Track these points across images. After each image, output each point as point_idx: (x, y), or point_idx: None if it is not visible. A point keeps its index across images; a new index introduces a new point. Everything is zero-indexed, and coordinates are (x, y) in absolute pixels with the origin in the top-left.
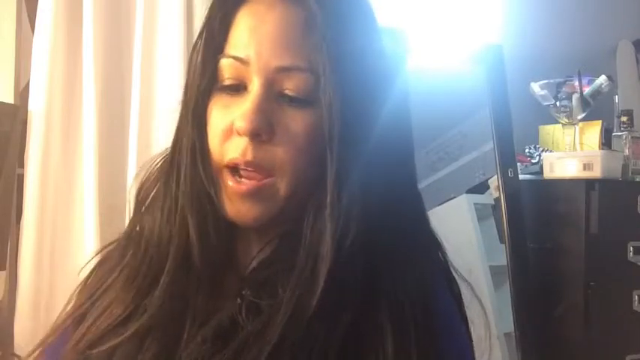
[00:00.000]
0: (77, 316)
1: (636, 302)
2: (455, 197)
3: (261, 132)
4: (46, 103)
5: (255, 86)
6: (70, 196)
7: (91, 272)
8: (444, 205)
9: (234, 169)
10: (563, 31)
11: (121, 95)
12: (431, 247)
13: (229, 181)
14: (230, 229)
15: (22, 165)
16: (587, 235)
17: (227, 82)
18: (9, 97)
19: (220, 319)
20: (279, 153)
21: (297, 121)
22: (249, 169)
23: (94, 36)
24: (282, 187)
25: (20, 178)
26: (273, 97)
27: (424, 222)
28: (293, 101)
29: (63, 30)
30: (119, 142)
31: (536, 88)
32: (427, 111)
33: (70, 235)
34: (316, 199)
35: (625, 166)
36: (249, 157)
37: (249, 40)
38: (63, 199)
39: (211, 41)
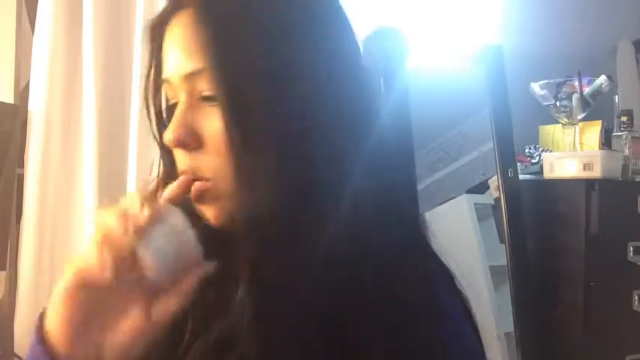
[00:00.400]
0: None
1: (636, 302)
2: (455, 197)
3: (187, 141)
4: (46, 103)
5: (180, 100)
6: (70, 196)
7: None
8: (444, 205)
9: None
10: (563, 31)
11: (121, 95)
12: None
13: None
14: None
15: (22, 165)
16: (587, 235)
17: (170, 103)
18: (9, 97)
19: (221, 330)
20: (209, 157)
21: (214, 120)
22: (190, 177)
23: (93, 36)
24: (223, 187)
25: (20, 178)
26: (197, 106)
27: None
28: (209, 101)
29: (63, 30)
30: (119, 142)
31: (536, 88)
32: (427, 111)
33: (70, 235)
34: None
35: (625, 166)
36: (182, 166)
37: (166, 61)
38: (63, 199)
39: (157, 68)
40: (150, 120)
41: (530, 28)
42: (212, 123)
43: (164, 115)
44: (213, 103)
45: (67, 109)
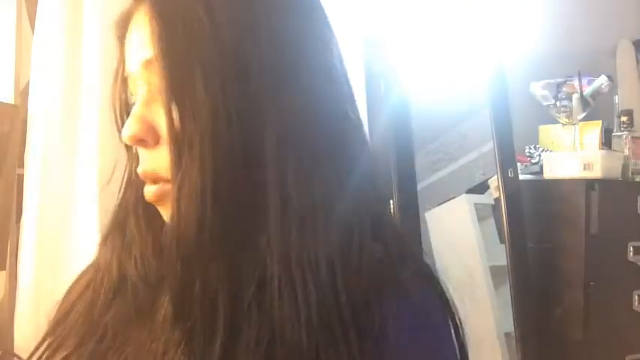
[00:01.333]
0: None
1: (636, 302)
2: (455, 197)
3: (143, 137)
4: (46, 103)
5: (139, 94)
6: (70, 196)
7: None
8: (444, 205)
9: (145, 179)
10: (563, 31)
11: None
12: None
13: (145, 190)
14: None
15: (22, 165)
16: (587, 235)
17: (133, 100)
18: (9, 97)
19: None
20: (163, 153)
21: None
22: (148, 178)
23: (93, 36)
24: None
25: (20, 178)
26: (155, 99)
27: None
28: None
29: (63, 30)
30: (119, 142)
31: (536, 88)
32: (427, 111)
33: (70, 235)
34: None
35: (625, 166)
36: (145, 167)
37: (127, 56)
38: (63, 199)
39: (123, 67)
40: (116, 120)
41: (530, 28)
42: (162, 112)
43: (125, 116)
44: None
45: (67, 109)
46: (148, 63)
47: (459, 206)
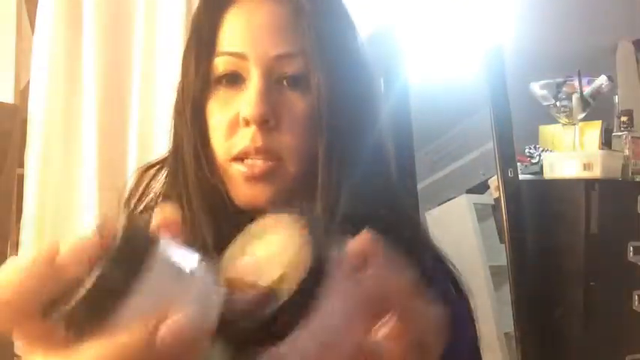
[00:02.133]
0: None
1: (636, 302)
2: (455, 197)
3: (269, 117)
4: (46, 103)
5: (255, 77)
6: (70, 196)
7: None
8: (444, 205)
9: (242, 159)
10: (563, 31)
11: (121, 95)
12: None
13: (241, 168)
14: (242, 223)
15: (22, 165)
16: (587, 235)
17: (224, 79)
18: (9, 97)
19: None
20: (287, 138)
21: (298, 105)
22: (259, 156)
23: (93, 36)
24: (291, 168)
25: (20, 178)
26: (274, 86)
27: (412, 214)
28: (292, 86)
29: (63, 30)
30: (119, 142)
31: (536, 88)
32: (427, 111)
33: (70, 235)
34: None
35: (625, 166)
36: (258, 143)
37: (243, 36)
38: (63, 199)
39: (202, 43)
40: (182, 96)
41: (530, 28)
42: (293, 106)
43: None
44: (296, 88)
45: (67, 109)
46: (279, 56)
47: (459, 206)
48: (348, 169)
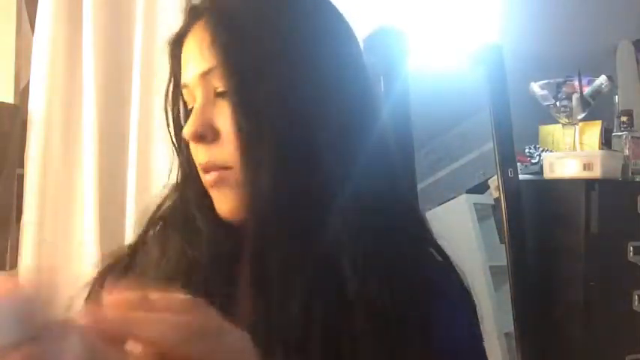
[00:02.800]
0: None
1: (636, 302)
2: (455, 197)
3: (204, 134)
4: (46, 103)
5: (197, 99)
6: (70, 196)
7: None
8: (444, 205)
9: (205, 170)
10: (563, 31)
11: (121, 95)
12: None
13: (204, 177)
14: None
15: (22, 165)
16: (587, 235)
17: (189, 108)
18: (9, 97)
19: None
20: (228, 149)
21: (227, 114)
22: (211, 168)
23: (93, 36)
24: (239, 177)
25: (20, 178)
26: (213, 102)
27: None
28: (223, 97)
29: (63, 30)
30: (119, 142)
31: (536, 88)
32: (427, 111)
33: (70, 235)
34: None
35: (625, 166)
36: (202, 160)
37: (185, 69)
38: (63, 199)
39: (176, 78)
40: (168, 126)
41: (530, 28)
42: (226, 116)
43: (182, 121)
44: (226, 98)
45: (67, 109)
46: (205, 74)
47: (459, 206)
48: (273, 174)
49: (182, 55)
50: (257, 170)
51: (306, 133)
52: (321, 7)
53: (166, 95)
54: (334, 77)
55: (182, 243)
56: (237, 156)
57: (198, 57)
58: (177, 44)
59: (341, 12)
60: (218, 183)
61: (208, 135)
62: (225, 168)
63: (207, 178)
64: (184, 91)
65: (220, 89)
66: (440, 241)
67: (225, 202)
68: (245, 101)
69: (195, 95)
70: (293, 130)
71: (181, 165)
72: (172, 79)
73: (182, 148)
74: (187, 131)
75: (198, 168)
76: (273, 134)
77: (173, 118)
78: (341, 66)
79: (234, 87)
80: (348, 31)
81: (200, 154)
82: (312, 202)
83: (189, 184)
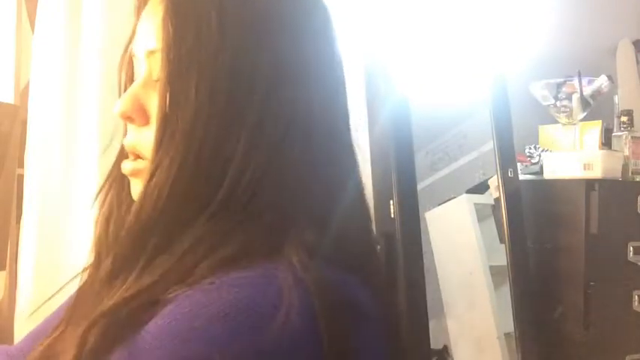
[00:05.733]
0: None
1: (636, 302)
2: (455, 197)
3: (132, 115)
4: (46, 103)
5: (140, 75)
6: (70, 196)
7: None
8: (444, 205)
9: (127, 155)
10: (563, 31)
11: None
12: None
13: (123, 164)
14: None
15: (22, 165)
16: (587, 235)
17: (135, 79)
18: (9, 97)
19: None
20: (150, 135)
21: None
22: (130, 151)
23: (93, 36)
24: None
25: (20, 178)
26: (152, 84)
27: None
28: (157, 82)
29: (63, 30)
30: (119, 142)
31: (536, 88)
32: (427, 111)
33: (70, 235)
34: None
35: (625, 166)
36: (126, 141)
37: (137, 33)
38: (63, 199)
39: (130, 43)
40: (119, 91)
41: (530, 28)
42: (152, 100)
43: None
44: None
45: (67, 109)
46: (151, 52)
47: (459, 206)
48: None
49: (140, 19)
50: (161, 163)
51: (222, 140)
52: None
53: (122, 58)
54: (281, 76)
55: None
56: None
57: (147, 31)
58: (143, 5)
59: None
60: (133, 172)
61: (137, 118)
62: (145, 159)
63: (124, 165)
64: (134, 61)
65: (156, 76)
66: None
67: (136, 192)
68: (172, 94)
69: (139, 70)
70: (209, 134)
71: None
72: (131, 42)
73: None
74: (116, 109)
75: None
76: (188, 134)
77: (124, 82)
78: (290, 64)
79: (165, 77)
80: (323, 25)
81: (128, 134)
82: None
83: (117, 162)
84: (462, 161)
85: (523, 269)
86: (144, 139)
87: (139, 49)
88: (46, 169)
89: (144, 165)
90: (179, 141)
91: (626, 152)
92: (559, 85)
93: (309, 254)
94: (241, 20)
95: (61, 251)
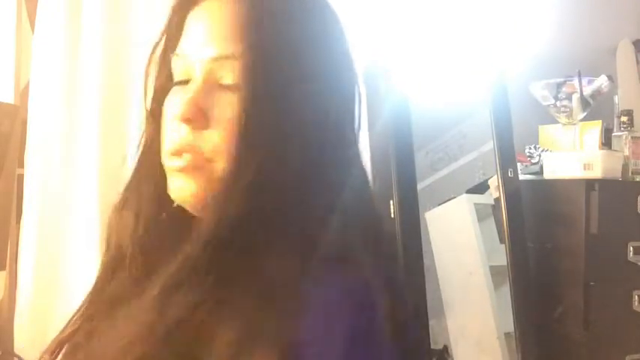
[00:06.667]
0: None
1: (636, 302)
2: (455, 197)
3: (197, 118)
4: (46, 103)
5: (195, 77)
6: (70, 196)
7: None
8: (444, 205)
9: (180, 154)
10: (563, 31)
11: (121, 95)
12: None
13: (176, 161)
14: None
15: (22, 165)
16: (587, 235)
17: (177, 78)
18: (9, 97)
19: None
20: (215, 138)
21: (232, 106)
22: (189, 152)
23: (93, 36)
24: (218, 168)
25: (20, 178)
26: (212, 86)
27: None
28: (227, 88)
29: (63, 30)
30: (119, 142)
31: (536, 88)
32: (427, 111)
33: (70, 235)
34: None
35: (625, 166)
36: (185, 141)
37: (191, 37)
38: (63, 199)
39: (169, 43)
40: (145, 92)
41: (530, 28)
42: (227, 108)
43: (161, 90)
44: (234, 90)
45: (67, 109)
46: (221, 58)
47: (459, 206)
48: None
49: (189, 19)
50: (248, 172)
51: (304, 143)
52: (325, 12)
53: (151, 57)
54: (333, 86)
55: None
56: (230, 150)
57: (213, 37)
58: (187, 5)
59: (334, 10)
60: (189, 168)
61: (201, 122)
62: (208, 159)
63: (175, 162)
64: (175, 59)
65: (227, 81)
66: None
67: (188, 189)
68: (260, 102)
69: (191, 72)
70: (294, 139)
71: (147, 135)
72: (165, 41)
73: (155, 120)
74: (181, 112)
75: (165, 148)
76: (276, 142)
77: (157, 84)
78: (338, 73)
79: (250, 83)
80: (342, 31)
81: (181, 135)
82: (295, 212)
83: (147, 157)
84: (462, 161)
85: (523, 269)
86: (204, 140)
87: (196, 53)
88: (46, 169)
89: (206, 162)
90: (264, 143)
91: (626, 152)
92: (559, 85)
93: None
94: (301, 31)
95: (61, 251)
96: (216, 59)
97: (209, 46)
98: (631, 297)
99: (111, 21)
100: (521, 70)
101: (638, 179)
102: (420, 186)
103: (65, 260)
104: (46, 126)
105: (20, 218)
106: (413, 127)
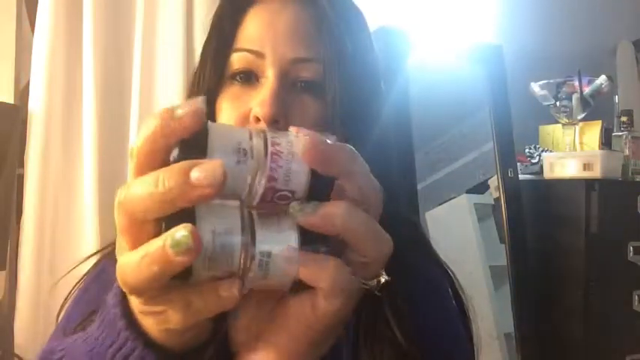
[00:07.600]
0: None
1: (636, 302)
2: (455, 197)
3: (279, 118)
4: (46, 103)
5: (270, 77)
6: (70, 196)
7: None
8: (444, 205)
9: None
10: (563, 31)
11: (121, 95)
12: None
13: None
14: None
15: (22, 165)
16: (587, 235)
17: (238, 74)
18: (9, 97)
19: None
20: None
21: (309, 109)
22: None
23: (93, 36)
24: None
25: (20, 178)
26: (287, 87)
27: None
28: (305, 90)
29: (63, 30)
30: (119, 142)
31: (536, 88)
32: (427, 111)
33: (70, 235)
34: None
35: (625, 166)
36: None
37: (264, 35)
38: (63, 199)
39: (222, 38)
40: (199, 83)
41: (530, 28)
42: (305, 109)
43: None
44: (309, 92)
45: (67, 109)
46: (296, 60)
47: (459, 206)
48: None
49: (250, 16)
50: None
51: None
52: (361, 15)
53: (209, 43)
54: (376, 85)
55: None
56: None
57: (292, 38)
58: (245, 1)
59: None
60: None
61: (281, 120)
62: None
63: None
64: (239, 55)
65: (305, 77)
66: (435, 247)
67: None
68: (348, 108)
69: (263, 69)
70: (371, 134)
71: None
72: (217, 37)
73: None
74: (263, 111)
75: None
76: (361, 139)
77: (212, 79)
78: (375, 75)
79: (343, 92)
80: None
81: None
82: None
83: None
84: (462, 161)
85: (523, 269)
86: None
87: (272, 53)
88: (46, 169)
89: None
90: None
91: (626, 152)
92: (559, 85)
93: None
94: (361, 34)
95: (61, 251)
96: (297, 61)
97: (289, 48)
98: (631, 297)
99: (111, 20)
100: (521, 70)
101: (638, 179)
102: (420, 186)
103: (65, 260)
104: (46, 126)
105: (20, 218)
106: (413, 127)
